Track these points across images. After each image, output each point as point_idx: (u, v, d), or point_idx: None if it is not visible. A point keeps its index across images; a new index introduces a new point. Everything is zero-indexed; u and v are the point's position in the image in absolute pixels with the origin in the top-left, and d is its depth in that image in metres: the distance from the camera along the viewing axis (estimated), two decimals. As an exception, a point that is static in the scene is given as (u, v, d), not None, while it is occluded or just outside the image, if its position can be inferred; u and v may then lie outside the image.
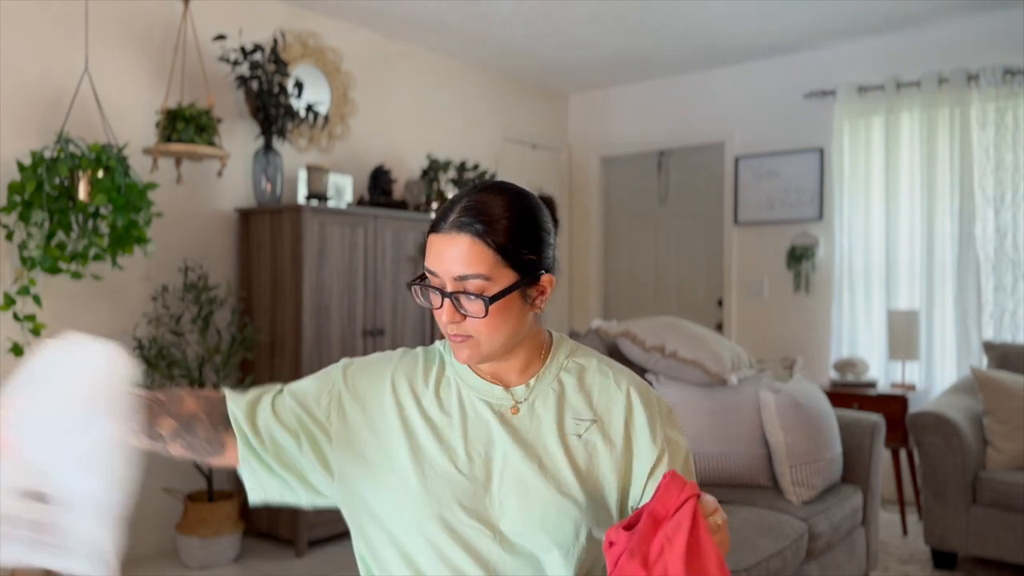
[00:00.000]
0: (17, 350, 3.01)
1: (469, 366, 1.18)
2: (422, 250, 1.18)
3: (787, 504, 2.59)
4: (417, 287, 1.13)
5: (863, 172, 4.60)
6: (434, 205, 4.40)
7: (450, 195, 4.52)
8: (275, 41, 3.73)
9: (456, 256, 1.07)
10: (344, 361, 1.23)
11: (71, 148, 3.02)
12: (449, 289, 1.09)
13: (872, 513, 2.92)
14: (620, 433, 1.16)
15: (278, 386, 1.20)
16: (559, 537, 1.12)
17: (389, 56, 4.63)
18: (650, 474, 1.14)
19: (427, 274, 1.12)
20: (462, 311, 1.10)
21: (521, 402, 1.16)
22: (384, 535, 1.14)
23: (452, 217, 1.09)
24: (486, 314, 1.09)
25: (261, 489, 1.16)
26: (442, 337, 1.23)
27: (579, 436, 1.15)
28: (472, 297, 1.08)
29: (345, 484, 1.15)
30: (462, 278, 1.08)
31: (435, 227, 1.10)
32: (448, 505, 1.11)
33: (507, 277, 1.09)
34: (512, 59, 5.05)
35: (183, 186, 3.64)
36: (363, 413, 1.17)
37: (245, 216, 3.81)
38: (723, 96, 5.22)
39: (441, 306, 1.10)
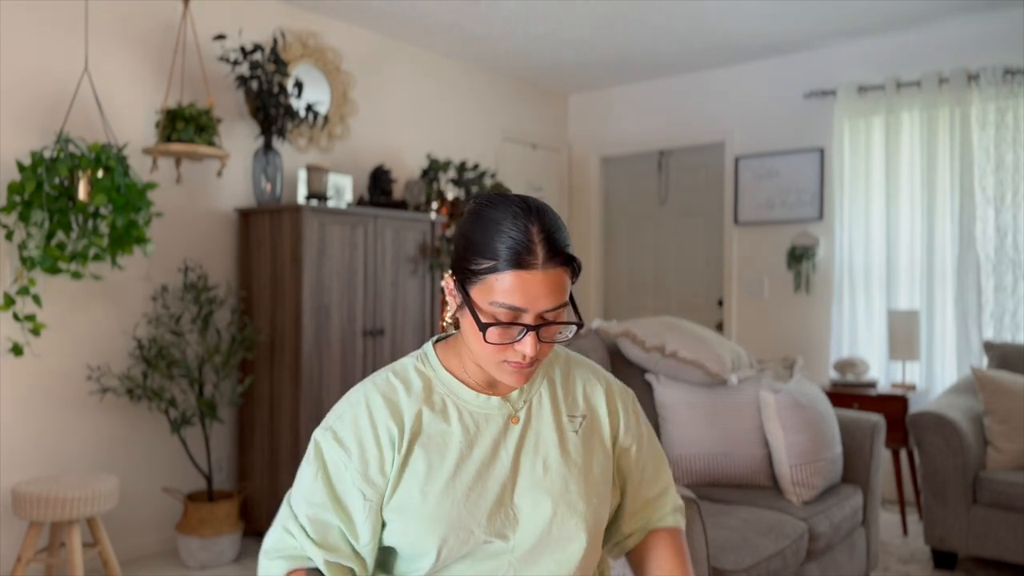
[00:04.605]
0: (17, 350, 3.02)
1: (455, 375, 1.15)
2: (466, 273, 1.04)
3: (787, 504, 2.59)
4: (493, 327, 1.02)
5: (863, 172, 4.60)
6: (434, 205, 4.39)
7: (450, 195, 4.50)
8: (275, 41, 3.73)
9: (549, 293, 1.01)
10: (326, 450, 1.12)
11: (71, 148, 3.01)
12: (533, 322, 1.03)
13: (872, 513, 2.92)
14: (606, 424, 1.22)
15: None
16: (569, 542, 1.12)
17: (389, 56, 4.63)
18: (625, 454, 1.25)
19: (504, 309, 1.02)
20: (541, 339, 1.05)
21: (519, 409, 1.15)
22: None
23: (541, 252, 1.00)
24: (574, 335, 1.07)
25: None
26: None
27: (576, 432, 1.17)
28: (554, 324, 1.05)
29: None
30: (552, 309, 1.02)
31: (519, 263, 0.99)
32: (464, 526, 1.09)
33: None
34: (512, 59, 5.05)
35: (183, 186, 3.64)
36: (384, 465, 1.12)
37: (245, 216, 3.81)
38: (723, 96, 5.22)
39: (519, 339, 1.03)
